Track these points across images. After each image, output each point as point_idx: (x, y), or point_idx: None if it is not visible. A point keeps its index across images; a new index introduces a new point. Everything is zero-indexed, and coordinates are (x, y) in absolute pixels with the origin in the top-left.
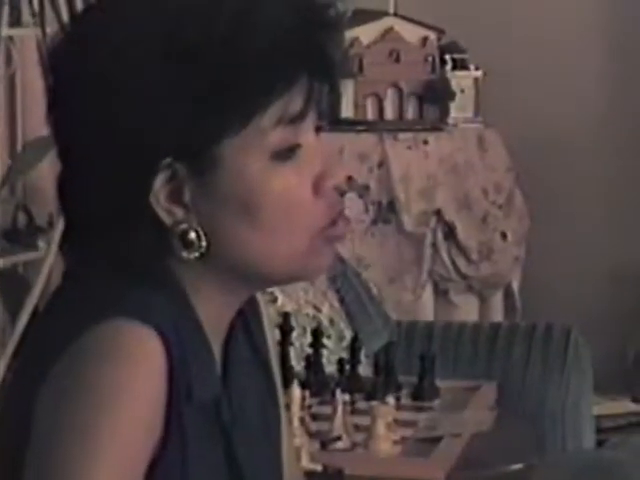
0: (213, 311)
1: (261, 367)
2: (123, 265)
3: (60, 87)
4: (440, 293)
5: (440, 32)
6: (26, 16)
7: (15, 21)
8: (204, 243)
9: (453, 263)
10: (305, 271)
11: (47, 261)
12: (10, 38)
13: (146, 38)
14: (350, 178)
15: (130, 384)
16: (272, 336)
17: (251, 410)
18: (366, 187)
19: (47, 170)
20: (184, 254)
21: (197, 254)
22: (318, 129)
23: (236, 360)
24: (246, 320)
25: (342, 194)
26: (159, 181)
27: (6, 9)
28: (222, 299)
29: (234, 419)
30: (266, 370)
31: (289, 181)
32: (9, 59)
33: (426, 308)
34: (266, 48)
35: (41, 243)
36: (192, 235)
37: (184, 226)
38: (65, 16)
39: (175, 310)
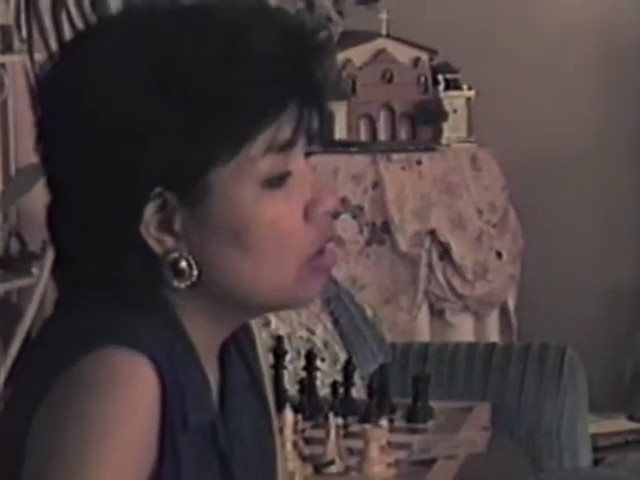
0: (205, 337)
1: (256, 392)
2: (114, 294)
3: (48, 117)
4: (436, 313)
5: (432, 52)
6: (17, 42)
7: (6, 47)
8: (195, 272)
9: (448, 283)
10: (295, 300)
11: (39, 287)
12: (2, 65)
13: (134, 69)
14: (344, 199)
15: (122, 414)
16: (265, 361)
17: (247, 434)
18: (360, 208)
19: (40, 196)
20: (175, 283)
21: (188, 282)
22: (308, 154)
23: (233, 384)
24: (240, 345)
25: (336, 216)
26: (149, 210)
27: None
28: (213, 326)
29: (231, 444)
30: (261, 394)
31: (280, 209)
32: (1, 85)
33: (422, 328)
34: (255, 77)
35: (35, 270)
36: (183, 264)
37: (175, 255)
38: (53, 43)
39: (168, 337)
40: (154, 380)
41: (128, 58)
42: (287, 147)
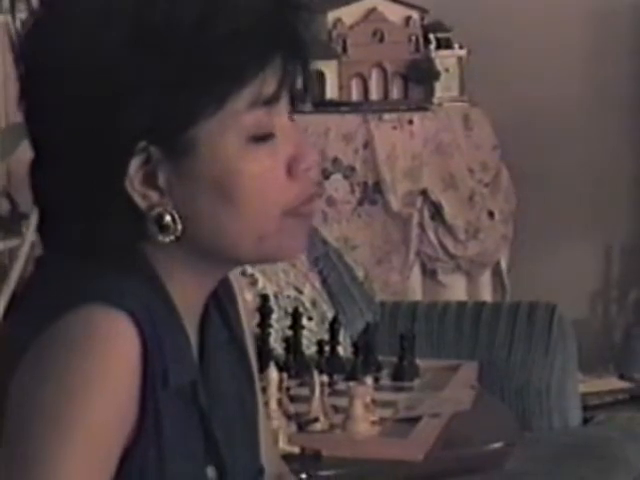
0: (187, 294)
1: (237, 350)
2: (96, 250)
3: (29, 75)
4: (428, 273)
5: (423, 11)
6: (5, 2)
7: None
8: (179, 226)
9: (440, 243)
10: (279, 250)
11: (24, 247)
12: None
13: (115, 22)
14: (335, 159)
15: (103, 371)
16: (247, 319)
17: (228, 393)
18: (352, 168)
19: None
20: (159, 237)
21: (172, 237)
22: (291, 111)
23: (212, 343)
24: (221, 303)
25: (327, 176)
26: (133, 165)
27: None
28: (196, 281)
29: (211, 402)
30: (242, 352)
31: (263, 163)
32: None
33: (414, 288)
34: (237, 30)
35: (25, 230)
36: (167, 218)
37: (159, 210)
38: (35, 3)
39: (149, 294)
40: (135, 337)
41: (108, 13)
42: (271, 101)
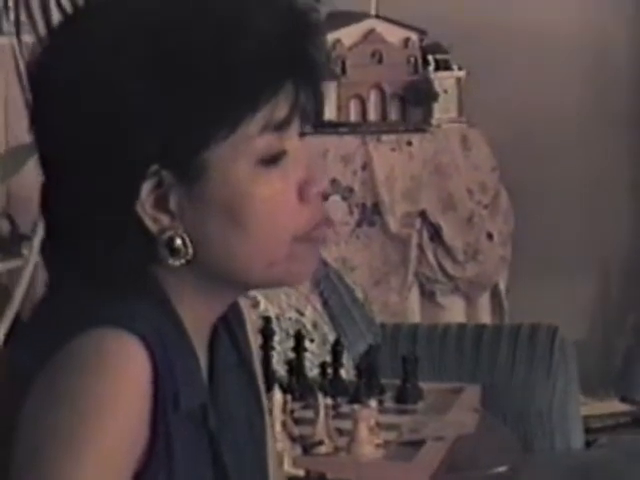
0: (197, 317)
1: (246, 372)
2: (107, 273)
3: (41, 98)
4: (426, 295)
5: (422, 33)
6: (6, 25)
7: None
8: (190, 250)
9: (439, 264)
10: (288, 276)
11: (28, 268)
12: None
13: (129, 46)
14: (334, 180)
15: (114, 395)
16: (255, 341)
17: (237, 416)
18: (350, 189)
19: (31, 177)
20: (170, 261)
21: (183, 261)
22: (302, 134)
23: (222, 366)
24: (230, 326)
25: (326, 198)
26: (145, 189)
27: None
28: (206, 304)
29: (221, 425)
30: (250, 375)
31: (274, 187)
32: None
33: (413, 310)
34: (252, 55)
35: (25, 251)
36: (178, 242)
37: (170, 233)
38: (41, 26)
39: (160, 318)
40: (145, 361)
41: (122, 38)
42: (283, 126)
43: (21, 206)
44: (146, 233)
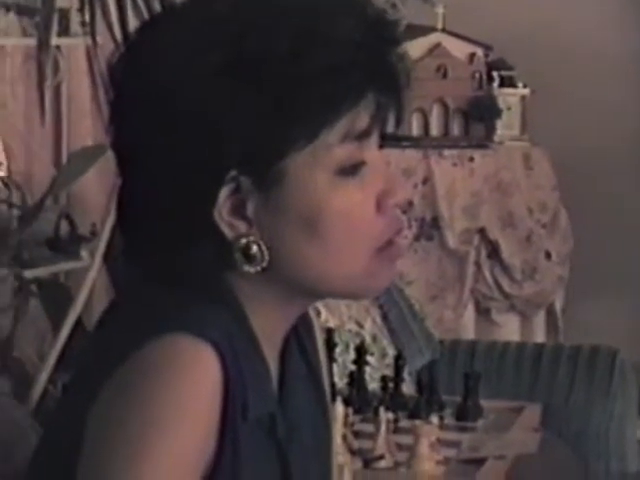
0: (269, 325)
1: (314, 383)
2: (182, 279)
3: (122, 101)
4: (482, 312)
5: (488, 48)
6: (75, 26)
7: (63, 30)
8: (266, 257)
9: (496, 282)
10: (364, 289)
11: (91, 272)
12: (57, 48)
13: (210, 51)
14: None
15: (185, 400)
16: (324, 353)
17: (304, 426)
18: (410, 203)
19: (91, 180)
20: (245, 268)
21: (258, 268)
22: (381, 145)
23: (292, 376)
24: (300, 337)
25: (404, 210)
26: (223, 194)
27: (55, 18)
28: (278, 313)
29: (289, 435)
30: (318, 388)
31: (352, 198)
32: (56, 68)
33: (467, 326)
34: (333, 62)
35: (83, 252)
36: (254, 249)
37: (246, 240)
38: (116, 26)
39: (232, 325)
40: (217, 368)
41: (202, 41)
42: (363, 136)
43: (81, 207)
44: (222, 239)
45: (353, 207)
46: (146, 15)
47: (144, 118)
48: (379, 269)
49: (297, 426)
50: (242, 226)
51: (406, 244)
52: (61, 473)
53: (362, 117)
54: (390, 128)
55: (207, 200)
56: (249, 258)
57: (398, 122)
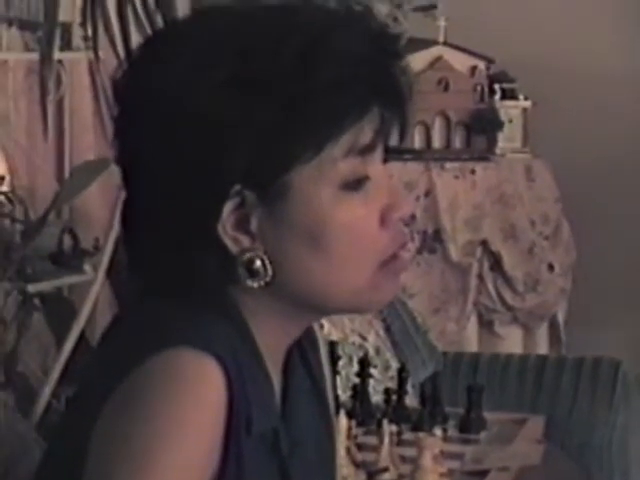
0: (272, 340)
1: (317, 397)
2: (185, 293)
3: (126, 116)
4: (484, 324)
5: (489, 61)
6: (77, 40)
7: (65, 45)
8: (270, 272)
9: (498, 294)
10: (368, 304)
11: (95, 286)
12: (60, 62)
13: (216, 65)
14: None
15: (189, 415)
16: (328, 367)
17: (307, 441)
18: (413, 216)
19: (94, 195)
20: (249, 282)
21: (262, 282)
22: (385, 160)
23: (295, 390)
24: (303, 350)
25: (407, 224)
26: (227, 209)
27: (58, 33)
28: (282, 327)
29: (292, 450)
30: (322, 402)
31: (357, 212)
32: (58, 82)
33: (470, 339)
34: (338, 77)
35: (86, 267)
36: (258, 263)
37: (250, 254)
38: (119, 41)
39: (235, 339)
40: (221, 382)
41: (207, 57)
42: (367, 150)
43: (84, 222)
44: (226, 253)
45: (357, 221)
46: (149, 30)
47: (148, 133)
48: (383, 283)
49: (300, 441)
50: (246, 240)
51: (410, 257)
52: None
53: (366, 132)
54: (394, 142)
55: (211, 214)
56: (252, 273)
57: (402, 136)
